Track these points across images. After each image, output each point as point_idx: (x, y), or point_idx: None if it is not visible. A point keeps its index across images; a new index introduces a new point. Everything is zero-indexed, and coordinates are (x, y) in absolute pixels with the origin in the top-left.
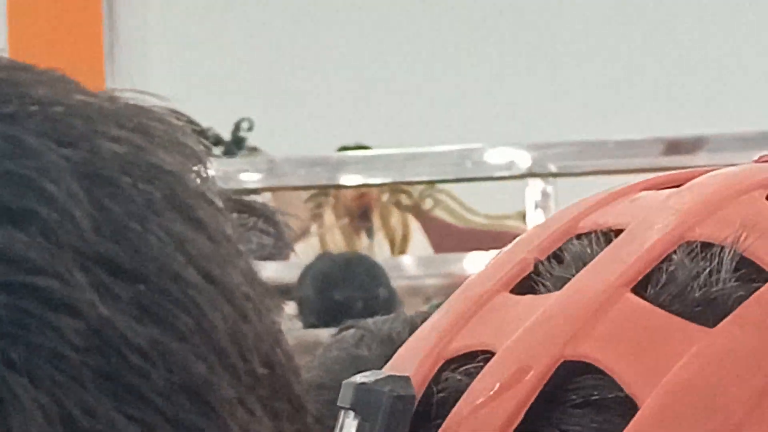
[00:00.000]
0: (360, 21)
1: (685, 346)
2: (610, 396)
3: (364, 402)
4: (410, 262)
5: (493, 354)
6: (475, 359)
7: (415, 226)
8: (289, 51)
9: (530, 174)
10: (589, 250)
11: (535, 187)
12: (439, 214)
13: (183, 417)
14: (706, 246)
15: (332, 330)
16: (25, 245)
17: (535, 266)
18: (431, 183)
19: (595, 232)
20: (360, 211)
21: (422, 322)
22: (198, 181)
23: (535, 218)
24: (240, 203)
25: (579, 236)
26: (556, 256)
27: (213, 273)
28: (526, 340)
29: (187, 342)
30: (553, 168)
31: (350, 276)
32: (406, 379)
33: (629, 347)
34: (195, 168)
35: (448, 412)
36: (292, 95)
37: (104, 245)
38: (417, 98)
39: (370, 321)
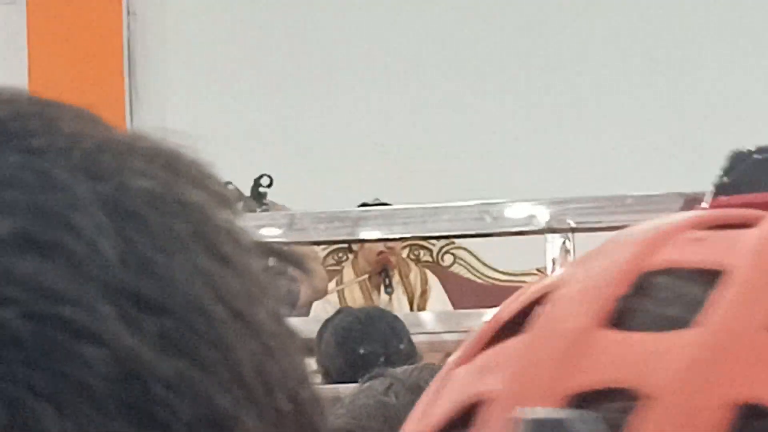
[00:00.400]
0: (379, 75)
1: None
2: None
3: None
4: (429, 318)
5: (630, 391)
6: (614, 398)
7: (433, 282)
8: (309, 107)
9: (549, 229)
10: (688, 289)
11: (554, 242)
12: (458, 270)
13: None
14: None
15: (353, 386)
16: (51, 276)
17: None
18: (450, 237)
19: (679, 270)
20: (379, 268)
21: None
22: (225, 218)
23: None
24: (268, 248)
25: (657, 273)
26: (638, 293)
27: (239, 308)
28: (691, 383)
29: (213, 375)
30: (572, 223)
31: (372, 330)
32: (597, 417)
33: None
34: (222, 206)
35: None
36: (311, 152)
37: (130, 278)
38: (436, 154)
39: (398, 370)
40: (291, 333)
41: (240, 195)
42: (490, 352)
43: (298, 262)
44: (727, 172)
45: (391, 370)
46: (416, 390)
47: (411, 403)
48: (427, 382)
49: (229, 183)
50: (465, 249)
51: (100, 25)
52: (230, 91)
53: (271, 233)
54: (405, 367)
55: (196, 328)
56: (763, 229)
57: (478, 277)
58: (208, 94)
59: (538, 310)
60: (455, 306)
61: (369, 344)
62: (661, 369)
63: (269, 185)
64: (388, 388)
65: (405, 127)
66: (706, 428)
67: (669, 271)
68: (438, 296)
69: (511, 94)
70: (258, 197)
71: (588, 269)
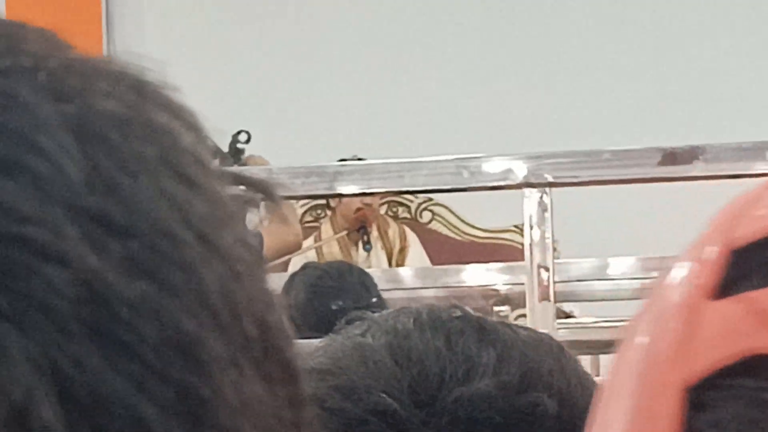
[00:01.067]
0: (357, 32)
1: None
2: None
3: None
4: (408, 274)
5: None
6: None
7: (412, 239)
8: (285, 63)
9: (527, 184)
10: None
11: (531, 197)
12: (437, 227)
13: (172, 373)
14: None
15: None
16: (14, 195)
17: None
18: (428, 192)
19: None
20: (357, 225)
21: (428, 315)
22: (192, 142)
23: (532, 229)
24: (238, 176)
25: None
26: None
27: (205, 232)
28: None
29: (178, 298)
30: (549, 178)
31: (343, 285)
32: None
33: None
34: (189, 130)
35: None
36: (288, 108)
37: (96, 200)
38: (414, 110)
39: (375, 314)
40: (258, 259)
41: (218, 151)
42: (762, 294)
43: (265, 190)
44: None
45: (368, 314)
46: (393, 332)
47: (388, 345)
48: (404, 325)
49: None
50: (443, 206)
51: None
52: (208, 46)
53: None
54: (382, 311)
55: (161, 251)
56: None
57: (457, 234)
58: (186, 51)
59: None
60: (434, 262)
61: (341, 299)
62: None
63: (247, 141)
64: (366, 330)
65: (383, 82)
66: None
67: None
68: (416, 253)
69: (488, 50)
70: (236, 153)
71: None
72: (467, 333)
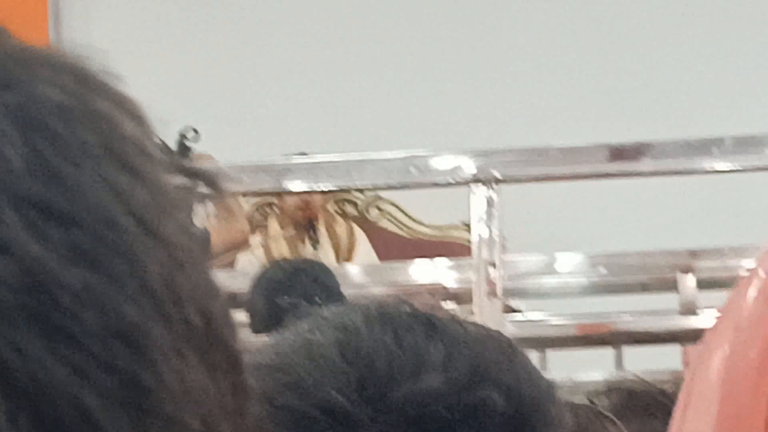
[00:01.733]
0: (303, 25)
1: None
2: None
3: None
4: (356, 271)
5: None
6: None
7: (360, 236)
8: (232, 59)
9: (474, 180)
10: None
11: (479, 194)
12: (384, 224)
13: (115, 361)
14: None
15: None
16: None
17: None
18: (376, 189)
19: None
20: (305, 222)
21: (376, 310)
22: (134, 131)
23: (479, 226)
24: (183, 167)
25: None
26: None
27: (148, 220)
28: None
29: (121, 286)
30: (497, 174)
31: (298, 282)
32: None
33: None
34: (131, 119)
35: None
36: (235, 103)
37: (37, 187)
38: (360, 105)
39: (325, 310)
40: (202, 248)
41: (165, 146)
42: None
43: (209, 181)
44: None
45: (317, 309)
46: (342, 328)
47: (336, 341)
48: (353, 321)
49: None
50: (391, 203)
51: None
52: (153, 40)
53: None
54: (333, 307)
55: (103, 239)
56: None
57: (404, 231)
58: (132, 46)
59: None
60: (381, 259)
61: (291, 296)
62: None
63: (195, 138)
64: (315, 326)
65: (330, 78)
66: None
67: None
68: (364, 250)
69: (437, 46)
70: (183, 150)
71: None
72: (416, 329)
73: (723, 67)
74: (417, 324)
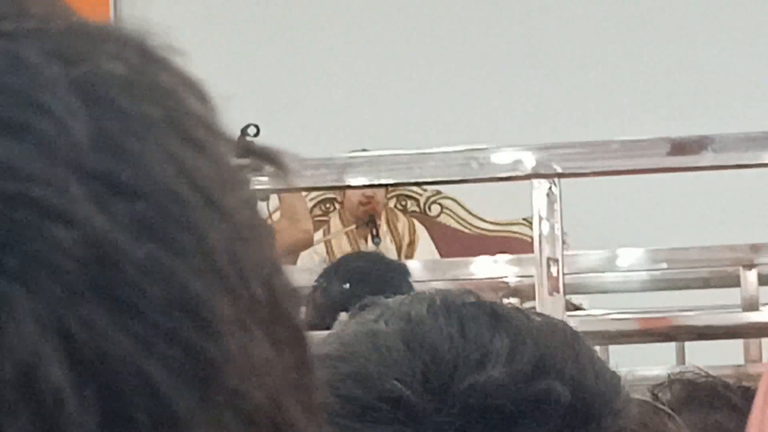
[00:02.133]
0: (364, 25)
1: None
2: None
3: None
4: (417, 267)
5: None
6: None
7: (421, 232)
8: (293, 57)
9: (535, 175)
10: None
11: (540, 188)
12: (445, 220)
13: (180, 334)
14: None
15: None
16: (20, 156)
17: None
18: (437, 183)
19: None
20: (366, 218)
21: (441, 301)
22: (197, 105)
23: (540, 221)
24: (247, 144)
25: None
26: None
27: (212, 194)
28: None
29: (185, 259)
30: (558, 168)
31: (372, 275)
32: None
33: None
34: (194, 93)
35: None
36: (296, 101)
37: (102, 161)
38: (422, 101)
39: (389, 300)
40: (264, 223)
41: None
42: None
43: (271, 158)
44: None
45: (382, 299)
46: (406, 318)
47: (401, 331)
48: (418, 311)
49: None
50: (452, 199)
51: None
52: (216, 40)
53: (258, 179)
54: (396, 297)
55: (168, 213)
56: None
57: (465, 227)
58: (193, 46)
59: None
60: (442, 255)
61: (364, 287)
62: None
63: (256, 135)
64: (379, 316)
65: (392, 74)
66: None
67: None
68: (425, 246)
69: (496, 40)
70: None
71: None
72: (480, 319)
73: None
74: (481, 314)
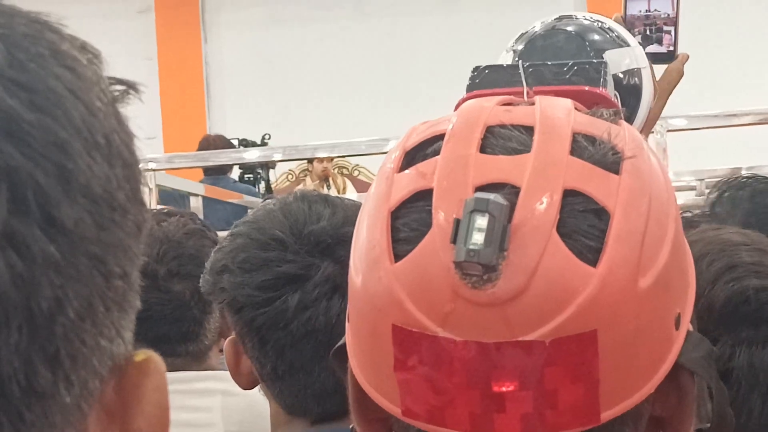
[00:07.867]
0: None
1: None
2: (594, 207)
3: (486, 206)
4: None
5: (513, 185)
6: (503, 188)
7: (349, 185)
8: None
9: None
10: (517, 133)
11: None
12: (363, 177)
13: (51, 158)
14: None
15: None
16: None
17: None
18: (358, 155)
19: (507, 125)
20: (324, 177)
21: (300, 194)
22: (68, 46)
23: None
24: (114, 78)
25: (496, 126)
26: (490, 135)
27: (78, 93)
28: (541, 179)
29: (59, 122)
30: None
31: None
32: (498, 196)
33: (596, 181)
34: (72, 45)
35: (511, 216)
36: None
37: (12, 73)
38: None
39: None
40: (118, 113)
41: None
42: (420, 165)
43: (134, 88)
44: (474, 80)
45: (274, 196)
46: (284, 201)
47: (280, 208)
48: (288, 199)
49: (244, 139)
50: (364, 168)
51: None
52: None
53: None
54: (286, 195)
55: (48, 98)
56: (542, 104)
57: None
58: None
59: (439, 143)
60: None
61: None
62: (518, 172)
63: (269, 139)
64: (274, 203)
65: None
66: (557, 199)
67: (502, 126)
68: (351, 191)
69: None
70: (263, 144)
71: (459, 127)
72: (317, 199)
73: None
74: (319, 198)
